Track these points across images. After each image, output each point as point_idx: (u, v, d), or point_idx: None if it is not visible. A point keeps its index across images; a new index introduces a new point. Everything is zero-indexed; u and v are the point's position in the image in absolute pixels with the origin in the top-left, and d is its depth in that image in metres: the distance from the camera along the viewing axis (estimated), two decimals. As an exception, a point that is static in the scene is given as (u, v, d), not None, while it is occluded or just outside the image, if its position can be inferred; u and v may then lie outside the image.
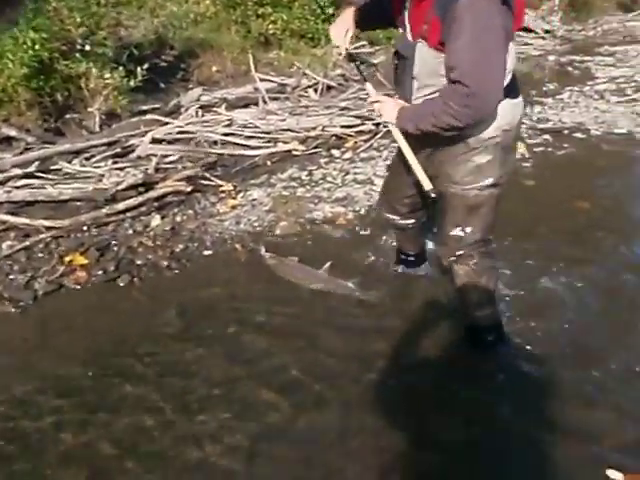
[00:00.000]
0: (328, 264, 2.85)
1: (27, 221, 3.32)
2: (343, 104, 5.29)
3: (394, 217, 2.55)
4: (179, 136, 4.57)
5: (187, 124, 4.73)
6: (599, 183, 3.90)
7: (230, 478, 1.84)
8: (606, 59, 8.24)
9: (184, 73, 5.94)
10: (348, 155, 4.43)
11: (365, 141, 4.69)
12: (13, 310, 2.67)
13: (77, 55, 4.64)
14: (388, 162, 4.20)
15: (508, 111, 1.96)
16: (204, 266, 2.99)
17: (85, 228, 3.31)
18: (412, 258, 2.82)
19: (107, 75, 4.65)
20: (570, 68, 7.78)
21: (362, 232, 3.25)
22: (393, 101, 2.09)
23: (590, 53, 8.65)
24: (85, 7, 4.84)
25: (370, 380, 2.21)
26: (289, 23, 6.53)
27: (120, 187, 3.69)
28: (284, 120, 4.93)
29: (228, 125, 4.80)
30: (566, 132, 4.92)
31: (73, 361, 2.35)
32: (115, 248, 3.13)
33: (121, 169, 4.02)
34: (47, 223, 3.31)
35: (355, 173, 4.07)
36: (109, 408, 2.11)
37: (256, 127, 4.76)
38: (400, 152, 2.18)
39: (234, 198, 3.70)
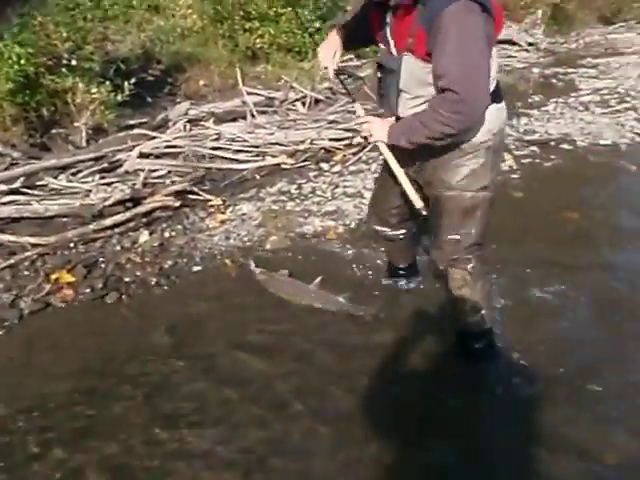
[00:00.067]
0: (319, 279, 2.83)
1: (12, 238, 3.26)
2: (331, 117, 5.30)
3: (384, 229, 2.54)
4: (167, 150, 4.54)
5: (175, 138, 4.70)
6: (587, 194, 3.93)
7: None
8: (589, 71, 8.36)
9: (171, 87, 5.92)
10: (337, 168, 4.43)
11: (354, 154, 4.69)
12: (-2, 329, 2.61)
13: (63, 70, 4.61)
14: (377, 175, 4.21)
15: (495, 115, 2.01)
16: (194, 282, 2.95)
17: (72, 245, 3.26)
18: (403, 271, 2.82)
19: (94, 90, 4.62)
20: (554, 80, 7.88)
21: (353, 246, 3.23)
22: (381, 120, 2.12)
23: (573, 65, 8.77)
24: (71, 22, 4.83)
25: (362, 397, 2.19)
26: (276, 37, 6.54)
27: (107, 203, 3.64)
28: (272, 134, 4.92)
29: (216, 139, 4.79)
30: (553, 143, 4.96)
31: (60, 381, 2.31)
32: (103, 265, 3.09)
33: (108, 184, 3.98)
34: (33, 240, 3.26)
35: (345, 186, 4.06)
36: (97, 429, 2.07)
37: (244, 141, 4.75)
38: (387, 165, 2.20)
39: (223, 213, 3.68)
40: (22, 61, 4.23)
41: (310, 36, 6.71)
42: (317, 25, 6.82)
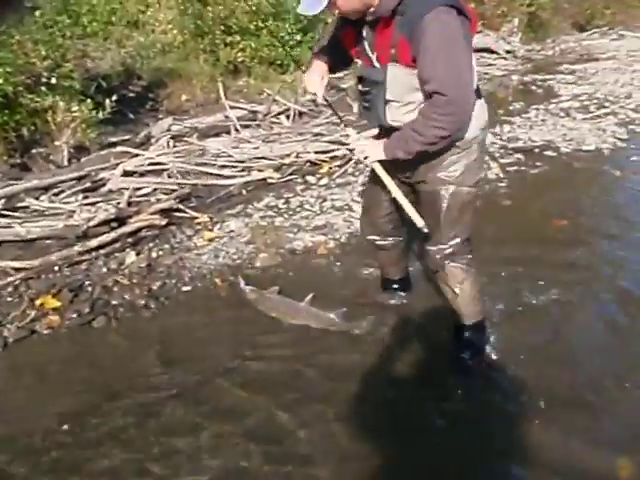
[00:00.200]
0: (310, 296, 2.78)
1: (-6, 263, 3.17)
2: (316, 130, 5.29)
3: (377, 237, 2.54)
4: (151, 168, 4.48)
5: (159, 155, 4.64)
6: (574, 201, 3.96)
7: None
8: (567, 77, 8.48)
9: (153, 103, 5.87)
10: (324, 181, 4.41)
11: (340, 166, 4.67)
12: (-19, 360, 2.52)
13: (43, 88, 4.53)
14: (364, 186, 4.19)
15: (481, 111, 2.08)
16: (184, 303, 2.89)
17: (56, 268, 3.17)
18: (397, 284, 2.80)
19: (75, 108, 4.55)
20: (534, 87, 7.97)
21: (344, 261, 3.20)
22: (372, 140, 2.15)
23: (551, 72, 8.90)
24: (50, 40, 4.76)
25: (357, 417, 2.14)
26: (258, 51, 6.54)
27: (92, 223, 3.56)
28: (257, 148, 4.89)
29: (201, 155, 4.74)
30: (537, 150, 5.00)
31: (46, 415, 2.21)
32: (89, 288, 3.01)
33: (92, 204, 3.89)
34: (16, 264, 3.17)
35: (332, 199, 4.03)
36: (85, 461, 1.98)
37: (229, 156, 4.71)
38: (375, 174, 2.23)
39: (211, 230, 3.62)
40: (0, 80, 4.15)
41: (291, 49, 6.74)
42: (298, 38, 6.84)
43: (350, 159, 4.76)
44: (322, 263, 3.20)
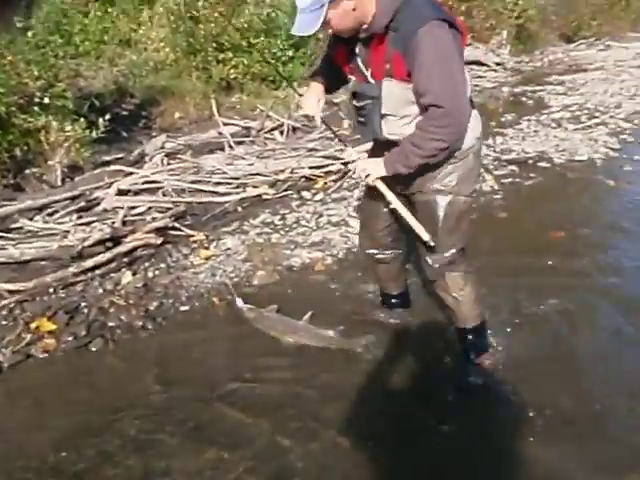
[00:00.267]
0: (309, 314, 2.76)
1: (-12, 286, 3.13)
2: (310, 145, 5.30)
3: (377, 251, 2.53)
4: (145, 186, 4.46)
5: (153, 173, 4.62)
6: (570, 212, 3.97)
7: None
8: (557, 88, 8.56)
9: (146, 121, 5.87)
10: (319, 196, 4.40)
11: (335, 181, 4.68)
12: (-25, 386, 2.47)
13: (36, 108, 4.51)
14: (360, 200, 4.19)
15: (475, 122, 2.11)
16: (182, 323, 2.85)
17: (51, 290, 3.12)
18: (396, 300, 2.78)
19: (68, 127, 4.53)
20: (524, 98, 8.03)
21: (342, 277, 3.18)
22: (372, 158, 2.17)
23: (541, 83, 8.98)
24: (43, 60, 4.74)
25: (360, 442, 2.11)
26: (250, 67, 6.56)
27: (87, 243, 3.52)
28: (252, 164, 4.89)
29: (195, 172, 4.72)
30: (530, 162, 5.03)
31: (43, 440, 2.16)
32: (85, 310, 2.96)
33: (87, 224, 3.87)
34: (9, 286, 3.12)
35: (329, 215, 4.02)
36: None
37: (224, 173, 4.70)
38: (369, 187, 2.25)
39: (207, 248, 3.60)
40: (-8, 101, 4.14)
41: (283, 65, 6.77)
42: (290, 54, 6.87)
43: (345, 174, 4.77)
44: (320, 280, 3.18)
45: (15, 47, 4.63)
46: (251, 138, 5.67)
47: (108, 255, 3.41)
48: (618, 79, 8.95)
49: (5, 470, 2.04)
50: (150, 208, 4.12)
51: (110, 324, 2.86)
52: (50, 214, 4.05)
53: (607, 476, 1.94)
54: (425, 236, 2.15)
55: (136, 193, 4.37)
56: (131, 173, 4.59)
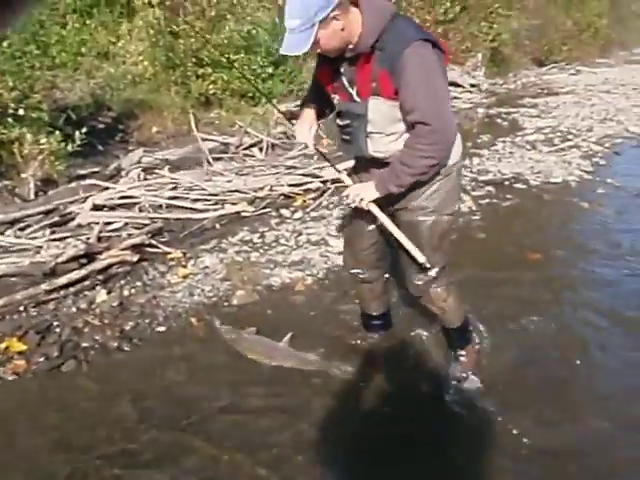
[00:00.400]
0: (289, 335, 2.72)
1: (-45, 304, 3.01)
2: (289, 162, 5.29)
3: (361, 270, 2.53)
4: (121, 201, 4.38)
5: (129, 188, 4.54)
6: (546, 234, 4.03)
7: None
8: (530, 110, 8.76)
9: (123, 134, 5.78)
10: (298, 215, 4.38)
11: (314, 199, 4.67)
12: (-60, 410, 2.36)
13: (9, 120, 4.41)
14: (340, 221, 4.18)
15: (458, 140, 2.14)
16: (158, 344, 2.78)
17: (22, 308, 3.02)
18: (378, 321, 2.76)
19: (43, 140, 4.43)
20: (499, 120, 8.20)
21: (322, 298, 3.15)
22: (363, 183, 2.18)
23: (515, 105, 9.19)
24: (18, 70, 4.64)
25: (341, 463, 2.08)
26: (229, 83, 6.54)
27: (60, 260, 3.43)
28: (231, 181, 4.85)
29: (173, 188, 4.66)
30: (507, 183, 5.10)
31: (13, 470, 2.07)
32: (57, 329, 2.87)
33: (60, 239, 3.77)
34: (-22, 304, 3.01)
35: (308, 234, 4.00)
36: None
37: (202, 189, 4.65)
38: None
39: (185, 266, 3.53)
40: (-35, 112, 4.03)
41: (263, 82, 6.78)
42: (269, 71, 6.89)
43: (324, 192, 4.77)
44: (300, 300, 3.14)
45: (-11, 57, 4.54)
46: (230, 154, 5.64)
47: (82, 272, 3.32)
48: (589, 103, 9.21)
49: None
50: (126, 224, 4.05)
51: (84, 345, 2.76)
52: (22, 229, 3.94)
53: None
54: (421, 258, 2.16)
55: (112, 208, 4.28)
56: (107, 188, 4.51)
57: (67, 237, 3.81)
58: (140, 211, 4.27)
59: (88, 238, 3.75)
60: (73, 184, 4.59)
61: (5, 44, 4.75)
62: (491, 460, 2.09)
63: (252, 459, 2.07)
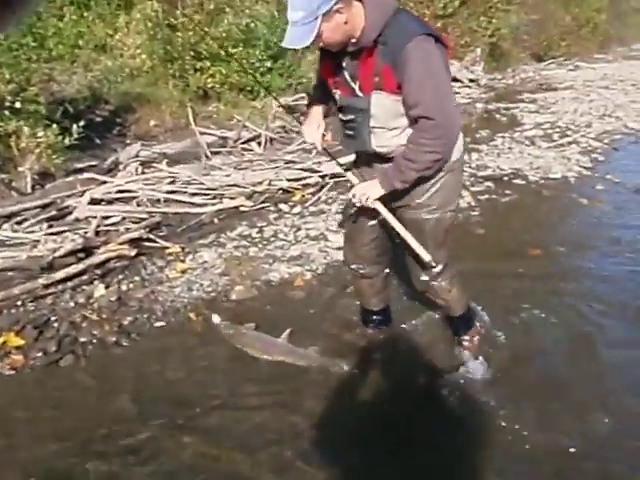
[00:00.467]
0: (288, 331, 2.71)
1: (-48, 298, 2.99)
2: (288, 157, 5.27)
3: (361, 266, 2.52)
4: (119, 195, 4.35)
5: (127, 182, 4.52)
6: (546, 229, 4.02)
7: None
8: (529, 106, 8.75)
9: (121, 128, 5.75)
10: (297, 209, 4.36)
11: (312, 194, 4.65)
12: (-63, 406, 2.34)
13: (6, 113, 4.38)
14: (339, 216, 4.17)
15: (461, 134, 2.14)
16: (157, 339, 2.76)
17: (19, 302, 3.01)
18: (377, 316, 2.75)
19: (40, 133, 4.40)
20: (498, 115, 8.18)
21: (321, 293, 3.14)
22: (367, 182, 2.16)
23: (513, 100, 9.17)
24: (15, 63, 4.61)
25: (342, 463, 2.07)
26: (228, 77, 6.51)
27: (57, 254, 3.41)
28: (229, 175, 4.83)
29: (171, 182, 4.64)
30: (506, 179, 5.09)
31: (10, 467, 2.05)
32: (55, 324, 2.85)
33: (58, 233, 3.75)
34: (-25, 298, 3.00)
35: (307, 229, 3.98)
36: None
37: (201, 183, 4.62)
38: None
39: (183, 261, 3.51)
40: (-40, 105, 4.00)
41: (262, 75, 6.74)
42: (268, 65, 6.85)
43: (323, 186, 4.75)
44: (299, 296, 3.13)
45: (-14, 50, 4.50)
46: (228, 148, 5.61)
47: (80, 266, 3.30)
48: (587, 99, 9.20)
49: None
50: (124, 218, 4.02)
51: (82, 339, 2.75)
52: (19, 222, 3.92)
53: None
54: (426, 256, 2.16)
55: (109, 202, 4.26)
56: (104, 182, 4.48)
57: (65, 231, 3.79)
58: (138, 205, 4.25)
59: (86, 232, 3.73)
60: (70, 178, 4.57)
61: (1, 36, 4.71)
62: (492, 458, 2.08)
63: (251, 457, 2.06)
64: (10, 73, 4.46)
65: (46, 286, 3.13)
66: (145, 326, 2.87)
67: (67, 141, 4.54)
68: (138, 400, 2.35)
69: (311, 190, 4.71)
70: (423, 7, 10.15)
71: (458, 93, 9.36)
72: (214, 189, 4.58)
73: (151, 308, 3.01)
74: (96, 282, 3.23)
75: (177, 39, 6.37)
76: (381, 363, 2.60)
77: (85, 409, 2.31)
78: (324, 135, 2.26)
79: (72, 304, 3.03)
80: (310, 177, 4.88)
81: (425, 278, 2.31)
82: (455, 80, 9.77)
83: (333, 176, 4.83)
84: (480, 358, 2.52)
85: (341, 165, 2.34)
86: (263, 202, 4.46)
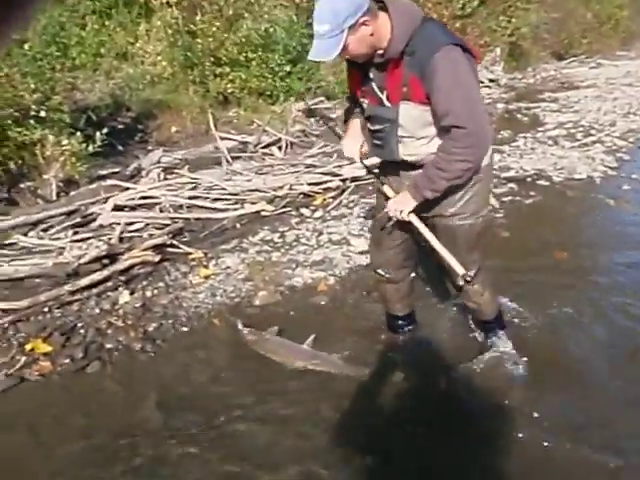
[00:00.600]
0: (312, 337, 2.69)
1: (-20, 305, 3.04)
2: (308, 161, 5.26)
3: (387, 270, 2.51)
4: (142, 201, 4.39)
5: (150, 188, 4.56)
6: (572, 231, 3.95)
7: None
8: (551, 105, 8.62)
9: (142, 134, 5.80)
10: (319, 214, 4.35)
11: (333, 198, 4.63)
12: (-33, 412, 2.38)
13: (31, 121, 4.44)
14: (360, 219, 4.14)
15: None
16: (181, 346, 2.77)
17: (46, 309, 3.04)
18: (402, 321, 2.73)
19: (64, 141, 4.45)
20: (519, 115, 8.07)
21: (345, 298, 3.12)
22: (399, 195, 2.17)
23: (534, 100, 9.04)
24: (39, 72, 4.68)
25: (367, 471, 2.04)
26: (247, 82, 6.53)
27: (83, 260, 3.45)
28: (250, 180, 4.84)
29: (193, 188, 4.66)
30: (529, 180, 5.01)
31: (39, 467, 2.08)
32: (81, 331, 2.88)
33: (83, 240, 3.79)
34: (3, 305, 3.03)
35: (329, 233, 3.97)
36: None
37: (222, 188, 4.64)
38: (380, 200, 2.33)
39: (206, 266, 3.52)
40: (-13, 114, 4.07)
41: (281, 80, 6.76)
42: (287, 69, 6.86)
43: (344, 190, 4.74)
44: (323, 301, 3.11)
45: (11, 59, 4.57)
46: (248, 153, 5.63)
47: (105, 273, 3.33)
48: (610, 97, 9.03)
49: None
50: (147, 224, 4.05)
51: (108, 346, 2.77)
52: (45, 230, 3.97)
53: None
54: (460, 270, 2.14)
55: (133, 209, 4.29)
56: (127, 188, 4.52)
57: (89, 238, 3.83)
58: (161, 211, 4.28)
59: (110, 239, 3.76)
60: (94, 185, 4.62)
61: (26, 46, 4.80)
62: (517, 465, 2.05)
63: (274, 469, 2.04)
64: (35, 82, 4.52)
65: (72, 293, 3.16)
66: (170, 332, 2.88)
67: (90, 148, 4.58)
68: (163, 407, 2.36)
69: (332, 194, 4.69)
70: (442, 8, 10.06)
71: (478, 94, 9.26)
72: (235, 194, 4.59)
73: (175, 314, 3.02)
74: (121, 288, 3.25)
75: (197, 45, 6.41)
76: (406, 369, 2.56)
77: (111, 416, 2.33)
78: (362, 148, 2.26)
79: (97, 310, 3.06)
80: (331, 181, 4.87)
81: (460, 283, 2.31)
82: (475, 81, 9.68)
83: (354, 179, 4.81)
84: (510, 363, 2.48)
85: (379, 178, 2.32)
86: (284, 207, 4.46)
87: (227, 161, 5.28)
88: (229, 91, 6.50)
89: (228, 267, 3.51)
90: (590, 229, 4.00)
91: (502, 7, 11.49)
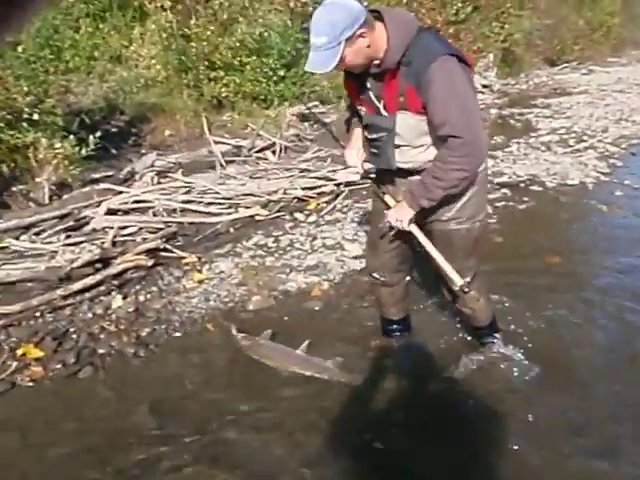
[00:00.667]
0: (306, 343, 2.68)
1: (-29, 309, 3.01)
2: (303, 165, 5.26)
3: (383, 274, 2.52)
4: (135, 205, 4.37)
5: (143, 192, 4.54)
6: (565, 237, 3.97)
7: None
8: (543, 111, 8.68)
9: (136, 138, 5.78)
10: (312, 218, 4.35)
11: (328, 202, 4.63)
12: (-43, 418, 2.35)
13: (24, 124, 4.42)
14: (354, 224, 4.15)
15: None
16: (175, 351, 2.75)
17: (38, 314, 3.01)
18: (397, 325, 2.73)
19: (57, 144, 4.43)
20: (512, 121, 8.12)
21: (339, 303, 3.12)
22: (397, 205, 2.18)
23: (527, 106, 9.10)
24: (32, 75, 4.66)
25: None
26: (241, 86, 6.54)
27: (75, 264, 3.42)
28: (244, 184, 4.83)
29: (187, 192, 4.65)
30: (522, 185, 5.04)
31: (31, 474, 2.06)
32: (74, 336, 2.85)
33: (75, 244, 3.76)
34: (-6, 310, 3.01)
35: (323, 237, 3.97)
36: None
37: (216, 193, 4.63)
38: (376, 203, 2.35)
39: (200, 271, 3.51)
40: (-21, 117, 4.04)
41: (275, 84, 6.77)
42: (281, 73, 6.87)
43: (338, 195, 4.74)
44: (317, 306, 3.10)
45: (4, 62, 4.55)
46: (242, 157, 5.62)
47: (97, 277, 3.31)
48: (602, 103, 9.12)
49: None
50: (141, 228, 4.04)
51: (100, 351, 2.74)
52: (37, 233, 3.94)
53: None
54: (458, 281, 2.15)
55: (126, 212, 4.28)
56: (121, 192, 4.51)
57: (82, 242, 3.80)
58: (154, 215, 4.26)
59: (103, 243, 3.74)
60: (87, 188, 4.59)
61: (20, 49, 4.77)
62: (511, 467, 2.05)
63: (266, 466, 2.05)
64: (28, 85, 4.50)
65: (64, 297, 3.14)
66: (163, 337, 2.86)
67: (84, 152, 4.56)
68: (155, 413, 2.34)
69: (326, 198, 4.70)
70: (435, 14, 10.12)
71: (471, 99, 9.31)
72: (229, 198, 4.58)
73: (168, 319, 3.00)
74: (113, 293, 3.23)
75: (191, 49, 6.41)
76: (401, 374, 2.56)
77: (103, 422, 2.30)
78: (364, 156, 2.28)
79: (90, 315, 3.03)
80: (325, 185, 4.88)
81: (456, 288, 2.30)
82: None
83: (348, 184, 4.81)
84: (503, 366, 2.48)
85: (380, 187, 2.33)
86: (278, 211, 4.46)
87: (221, 165, 5.28)
88: (223, 95, 6.50)
89: (222, 272, 3.50)
90: (583, 234, 4.02)
91: (495, 13, 11.57)
